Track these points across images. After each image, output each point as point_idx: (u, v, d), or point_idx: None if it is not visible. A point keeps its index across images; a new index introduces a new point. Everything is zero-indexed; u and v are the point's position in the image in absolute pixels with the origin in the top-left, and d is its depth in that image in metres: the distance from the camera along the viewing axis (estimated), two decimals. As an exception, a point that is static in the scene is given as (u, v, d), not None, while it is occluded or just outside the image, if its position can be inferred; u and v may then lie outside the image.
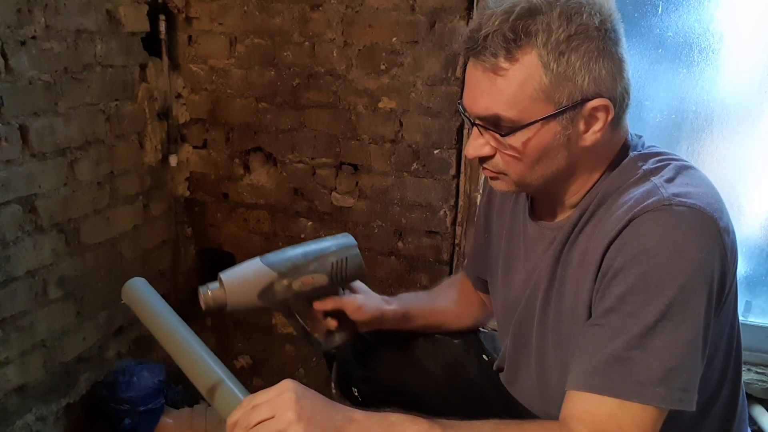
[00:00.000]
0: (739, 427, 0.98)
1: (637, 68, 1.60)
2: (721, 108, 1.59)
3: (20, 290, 1.48)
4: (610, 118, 0.83)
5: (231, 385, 0.87)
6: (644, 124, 1.64)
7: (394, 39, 1.73)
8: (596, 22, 0.80)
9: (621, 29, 0.84)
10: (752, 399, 1.59)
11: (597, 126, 0.84)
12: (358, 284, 1.09)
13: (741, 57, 1.55)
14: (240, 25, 1.86)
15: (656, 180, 0.83)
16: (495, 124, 0.84)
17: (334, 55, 1.79)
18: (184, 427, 1.75)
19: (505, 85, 0.81)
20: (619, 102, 0.85)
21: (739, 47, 1.55)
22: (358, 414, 0.79)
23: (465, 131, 1.74)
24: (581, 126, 0.84)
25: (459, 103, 0.90)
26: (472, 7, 1.65)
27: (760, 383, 1.61)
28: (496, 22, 0.79)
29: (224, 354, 2.11)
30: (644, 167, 0.86)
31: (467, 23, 1.66)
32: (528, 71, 0.80)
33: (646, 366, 0.77)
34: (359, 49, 1.77)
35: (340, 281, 1.03)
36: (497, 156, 0.87)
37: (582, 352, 0.82)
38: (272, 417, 0.75)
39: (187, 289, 2.14)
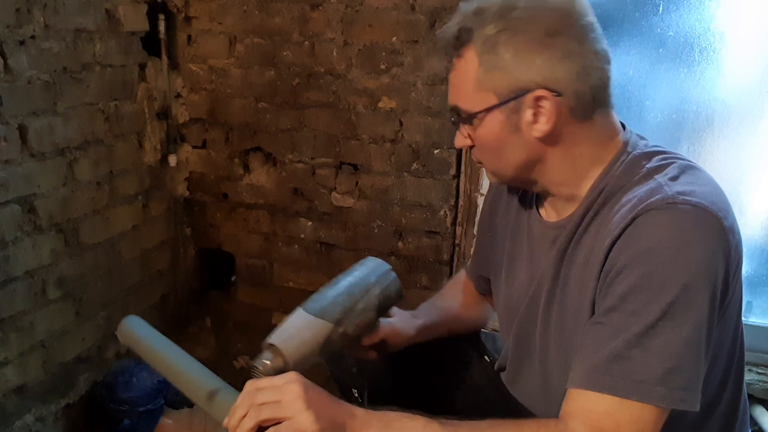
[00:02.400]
0: (740, 429, 0.98)
1: (638, 68, 1.60)
2: (722, 108, 1.59)
3: (19, 290, 1.48)
4: (559, 109, 0.84)
5: (229, 390, 0.86)
6: (645, 123, 1.63)
7: (394, 38, 1.72)
8: (528, 15, 0.83)
9: (575, 22, 0.84)
10: (753, 399, 1.59)
11: (544, 117, 0.85)
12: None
13: (742, 56, 1.55)
14: (239, 25, 1.86)
15: (660, 178, 0.83)
16: (458, 115, 0.92)
17: (334, 54, 1.79)
18: (184, 427, 1.75)
19: (456, 80, 0.90)
20: (576, 94, 0.84)
21: (740, 47, 1.54)
22: (359, 410, 0.79)
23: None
24: (529, 116, 0.86)
25: None
26: (473, 7, 1.64)
27: (761, 383, 1.60)
28: (453, 23, 0.89)
29: (224, 354, 2.11)
30: (648, 165, 0.86)
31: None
32: (469, 65, 0.87)
33: (647, 365, 0.76)
34: (359, 49, 1.76)
35: (384, 312, 1.00)
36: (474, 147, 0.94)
37: (583, 350, 0.82)
38: (278, 401, 0.75)
39: (186, 289, 2.14)
